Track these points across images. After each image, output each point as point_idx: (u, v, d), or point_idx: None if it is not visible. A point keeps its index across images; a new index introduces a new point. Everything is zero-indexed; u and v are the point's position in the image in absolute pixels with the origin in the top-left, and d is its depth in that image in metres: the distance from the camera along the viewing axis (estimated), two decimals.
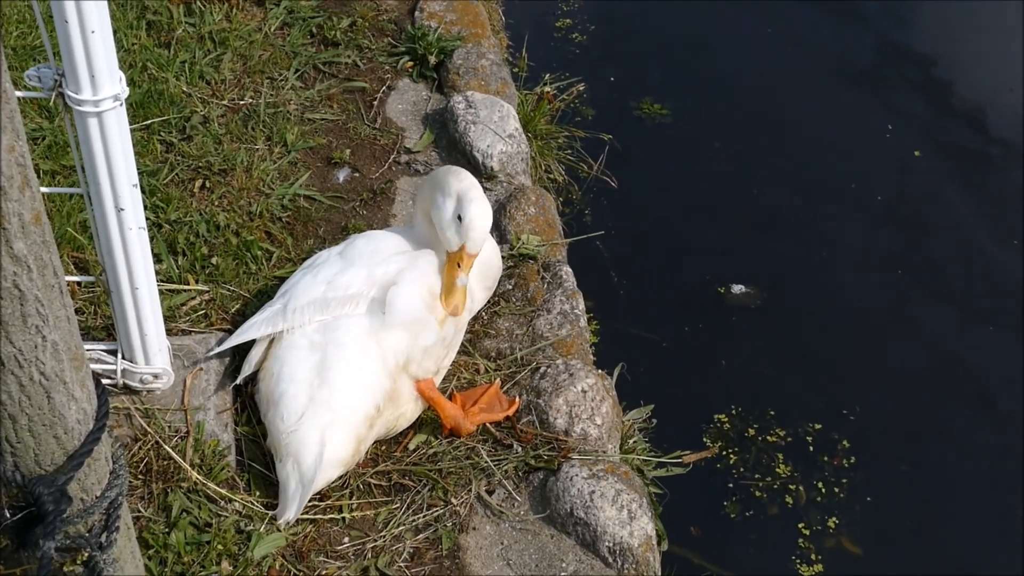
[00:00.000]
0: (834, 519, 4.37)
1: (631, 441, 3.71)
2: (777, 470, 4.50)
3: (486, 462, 3.43)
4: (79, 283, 3.63)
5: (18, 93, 2.69)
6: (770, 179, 5.62)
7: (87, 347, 3.22)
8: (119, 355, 3.26)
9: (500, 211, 4.13)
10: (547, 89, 5.05)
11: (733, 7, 6.58)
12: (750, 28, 6.46)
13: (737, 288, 5.11)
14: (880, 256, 5.36)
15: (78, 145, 2.87)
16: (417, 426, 3.52)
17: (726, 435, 4.56)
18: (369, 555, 3.23)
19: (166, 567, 3.06)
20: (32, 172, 2.08)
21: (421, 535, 3.29)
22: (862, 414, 4.69)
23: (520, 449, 3.47)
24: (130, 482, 3.22)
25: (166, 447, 3.23)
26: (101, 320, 3.53)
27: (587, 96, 5.64)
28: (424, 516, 3.33)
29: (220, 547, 3.11)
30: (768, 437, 4.57)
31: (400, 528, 3.29)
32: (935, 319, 5.12)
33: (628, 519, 3.25)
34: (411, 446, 3.48)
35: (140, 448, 3.24)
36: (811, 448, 4.55)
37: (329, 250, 3.58)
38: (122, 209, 2.93)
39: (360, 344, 3.30)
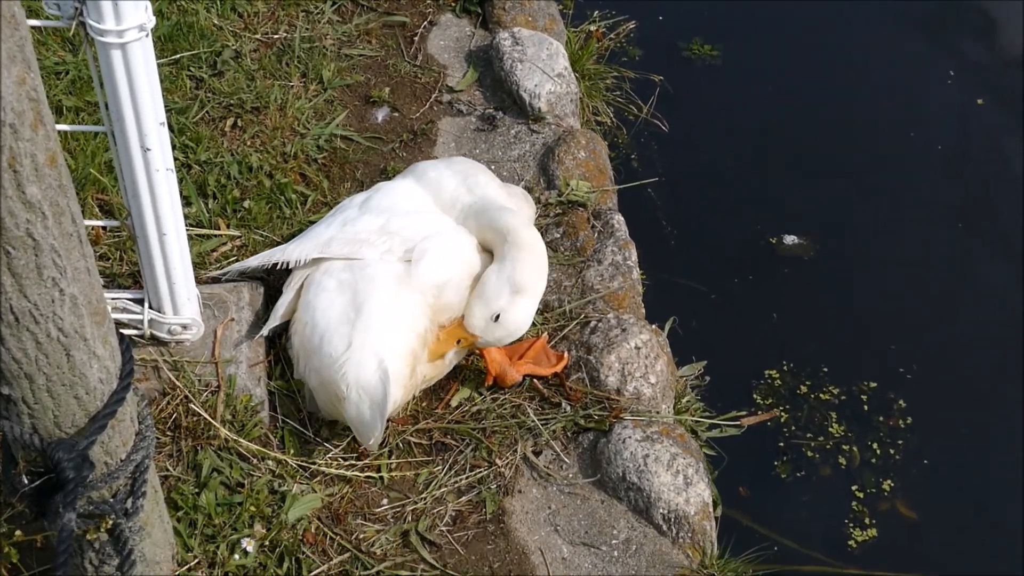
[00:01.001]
0: (889, 482, 4.18)
1: (684, 400, 3.50)
2: (830, 430, 4.31)
3: (533, 421, 3.23)
4: (104, 228, 3.43)
5: (35, 22, 2.49)
6: (825, 126, 5.35)
7: (112, 295, 3.04)
8: (146, 304, 3.07)
9: (548, 155, 3.91)
10: (595, 27, 4.77)
11: None
12: None
13: (790, 239, 4.88)
14: (940, 208, 5.11)
15: (101, 80, 2.66)
16: (460, 381, 3.32)
17: (777, 392, 4.36)
18: (409, 518, 3.06)
19: (196, 529, 2.89)
20: (46, 108, 1.87)
21: (464, 498, 3.11)
22: (920, 373, 4.47)
23: (569, 408, 3.27)
24: (158, 439, 3.04)
25: (195, 403, 3.05)
26: (127, 267, 3.35)
27: (635, 36, 5.36)
28: (467, 477, 3.15)
29: (252, 509, 2.95)
30: (821, 395, 4.37)
31: (442, 490, 3.11)
32: (996, 276, 4.89)
33: (684, 485, 3.06)
34: (453, 403, 3.30)
35: (168, 403, 3.06)
36: (866, 408, 4.34)
37: (353, 198, 3.41)
38: (148, 149, 2.72)
39: (392, 279, 3.12)
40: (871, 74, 5.63)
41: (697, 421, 3.47)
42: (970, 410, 4.36)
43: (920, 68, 5.68)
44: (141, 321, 3.08)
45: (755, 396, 4.32)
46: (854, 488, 4.13)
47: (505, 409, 3.28)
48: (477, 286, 3.16)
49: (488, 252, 3.24)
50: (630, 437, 3.12)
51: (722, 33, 5.65)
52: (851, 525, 4.07)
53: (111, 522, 2.35)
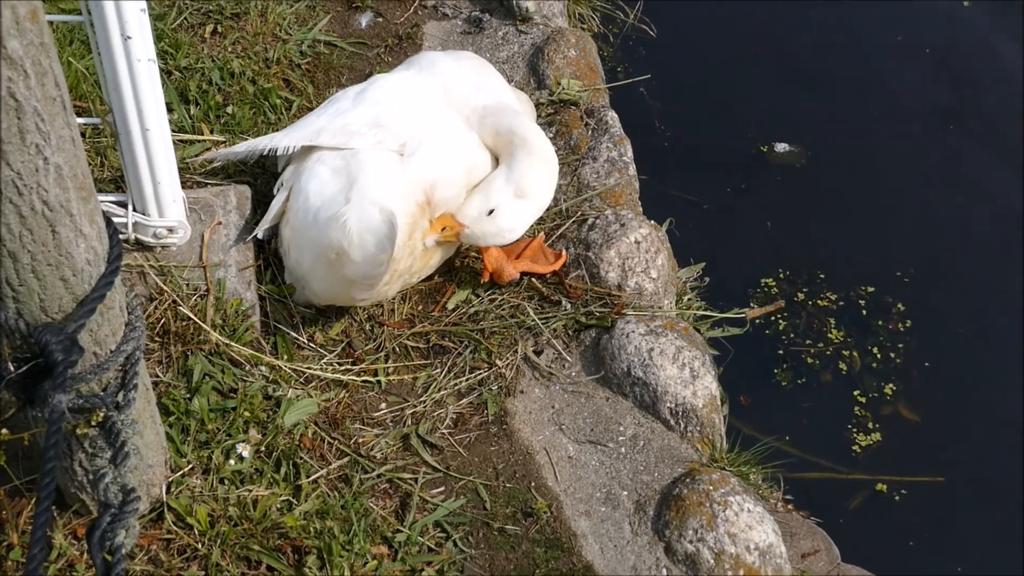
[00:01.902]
0: (891, 386, 4.12)
1: (685, 299, 3.40)
2: (829, 335, 4.24)
3: (533, 320, 3.13)
4: (84, 133, 3.29)
5: None
6: (812, 32, 5.26)
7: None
8: (130, 207, 2.94)
9: (537, 55, 3.79)
10: None
11: None
12: None
13: (781, 146, 4.82)
14: (930, 111, 5.03)
15: None
16: (456, 283, 3.21)
17: (774, 300, 4.26)
18: (409, 421, 2.96)
19: (188, 435, 2.78)
20: None
21: (464, 400, 3.02)
22: (916, 276, 4.40)
23: (569, 306, 3.18)
24: (146, 345, 2.92)
25: (184, 307, 2.93)
26: (109, 172, 3.22)
27: None
28: (467, 380, 3.05)
29: (247, 414, 2.84)
30: (819, 301, 4.30)
31: (441, 393, 3.01)
32: (990, 175, 4.82)
33: (691, 378, 2.96)
34: (450, 305, 3.19)
35: (156, 308, 2.95)
36: (864, 312, 4.29)
37: (347, 90, 3.26)
38: (129, 37, 2.59)
39: (387, 163, 2.99)
40: None
41: (702, 315, 3.36)
42: (969, 310, 4.31)
43: None
44: (125, 225, 2.95)
45: (752, 304, 4.22)
46: (856, 393, 4.07)
47: (504, 310, 3.18)
48: (482, 183, 3.04)
49: (496, 160, 3.13)
50: (634, 331, 3.02)
51: None
52: (854, 430, 4.01)
53: (102, 415, 2.23)
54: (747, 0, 5.29)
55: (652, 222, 3.36)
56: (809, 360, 4.16)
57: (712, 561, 2.67)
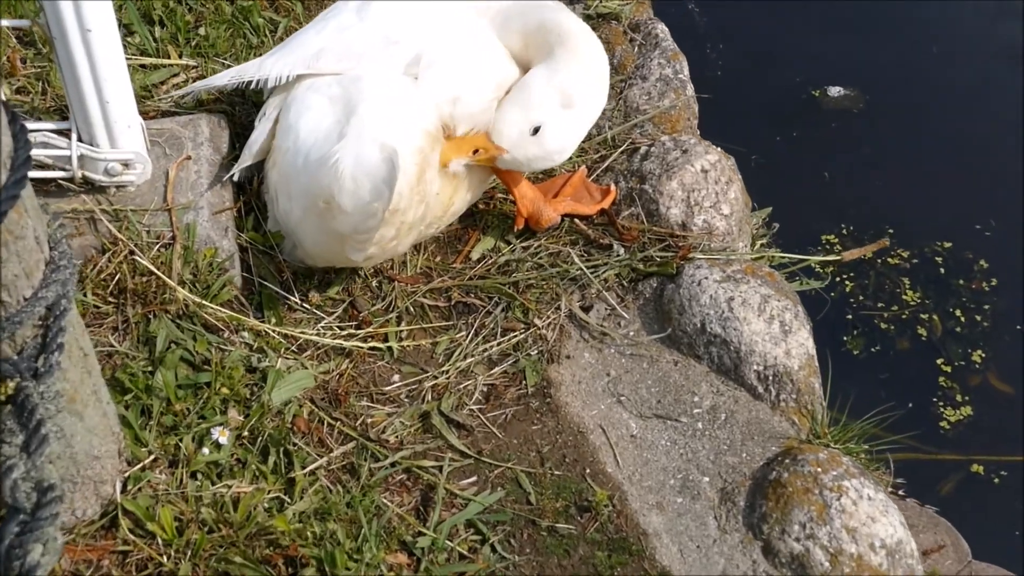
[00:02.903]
0: (979, 352, 3.62)
1: (759, 244, 2.76)
2: (904, 297, 3.76)
3: (579, 269, 2.52)
4: (23, 60, 2.66)
5: None
6: None
7: (30, 126, 2.27)
8: (74, 136, 2.32)
9: None
10: None
11: None
12: None
13: (835, 90, 4.42)
14: (998, 47, 4.45)
15: None
16: (481, 229, 2.59)
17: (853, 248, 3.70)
18: (429, 396, 2.38)
19: (150, 418, 2.17)
20: None
21: (497, 368, 2.44)
22: (999, 228, 3.88)
23: (623, 251, 2.58)
24: (96, 307, 2.29)
25: (143, 258, 2.30)
26: (52, 101, 2.59)
27: None
28: (499, 344, 2.47)
29: (225, 390, 2.25)
30: (889, 259, 3.83)
31: (468, 360, 2.44)
32: None
33: (782, 333, 2.35)
34: (474, 255, 2.61)
35: (110, 261, 2.34)
36: (942, 271, 3.86)
37: (347, 1, 2.58)
38: None
39: (395, 85, 2.37)
40: None
41: (787, 258, 2.72)
42: None
43: None
44: (68, 159, 2.32)
45: (813, 265, 3.66)
46: (939, 362, 3.62)
47: (542, 258, 2.57)
48: (514, 89, 2.41)
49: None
50: (707, 278, 2.40)
51: None
52: (941, 404, 3.52)
53: (12, 386, 1.59)
54: None
55: (719, 149, 2.71)
56: (883, 325, 3.73)
57: (827, 563, 2.06)
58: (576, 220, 2.61)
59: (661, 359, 2.43)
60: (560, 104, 2.36)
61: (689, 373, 2.40)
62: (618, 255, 2.57)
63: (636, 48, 2.92)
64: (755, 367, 2.34)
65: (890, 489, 2.53)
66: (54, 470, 1.74)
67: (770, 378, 2.34)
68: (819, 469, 2.15)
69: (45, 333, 1.65)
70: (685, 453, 2.29)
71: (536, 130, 2.36)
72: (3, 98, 1.51)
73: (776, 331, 2.35)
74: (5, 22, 2.25)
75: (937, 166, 4.09)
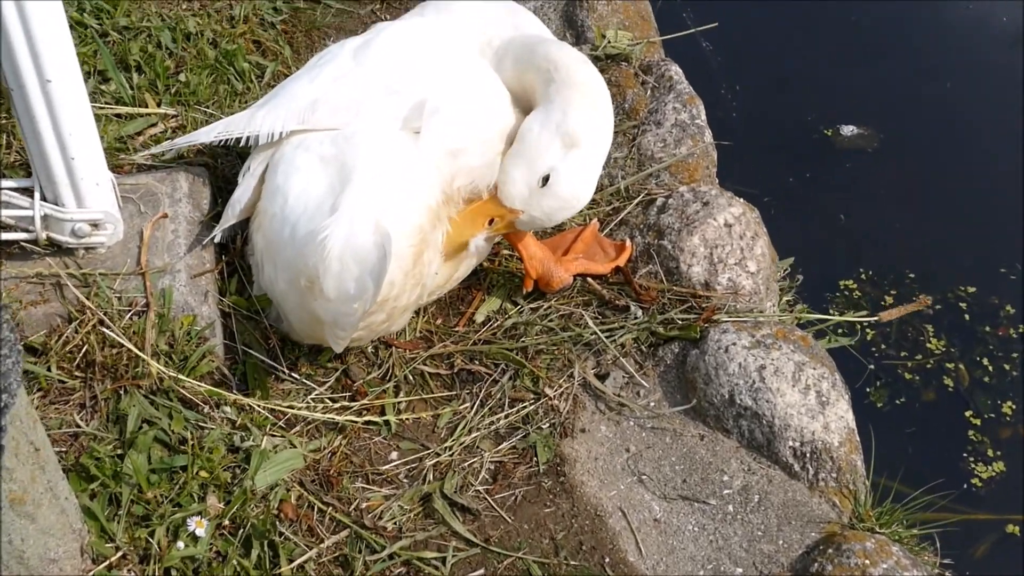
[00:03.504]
0: (1009, 404, 3.36)
1: (784, 300, 2.51)
2: (928, 345, 3.59)
3: (593, 333, 2.27)
4: None
5: None
6: (872, 10, 4.49)
7: None
8: (36, 195, 2.07)
9: (574, 2, 2.90)
10: None
11: None
12: None
13: (848, 129, 4.13)
14: (1014, 85, 4.23)
15: None
16: (485, 289, 2.33)
17: (857, 304, 3.68)
18: (430, 476, 2.14)
19: (119, 509, 1.92)
20: None
21: (505, 444, 2.20)
22: None
23: (641, 313, 2.35)
24: (62, 382, 2.04)
25: (113, 328, 2.04)
26: (18, 155, 2.33)
27: None
28: (507, 417, 2.23)
29: (204, 474, 2.03)
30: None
31: (473, 435, 2.21)
32: None
33: (819, 405, 2.10)
34: (479, 317, 2.37)
35: (76, 332, 2.07)
36: (967, 317, 3.56)
37: (343, 43, 2.36)
38: None
39: (393, 147, 2.12)
40: None
41: (825, 323, 2.47)
42: None
43: None
44: (31, 219, 2.06)
45: (832, 311, 3.46)
46: (968, 414, 3.35)
47: (552, 321, 2.33)
48: (516, 141, 2.15)
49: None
50: (735, 344, 2.15)
51: None
52: (971, 459, 3.34)
53: None
54: None
55: (743, 201, 2.45)
56: (907, 376, 3.54)
57: None
58: (589, 279, 2.36)
59: (686, 433, 2.18)
60: (563, 146, 2.11)
61: (717, 449, 2.15)
62: (636, 318, 2.32)
63: (649, 91, 2.67)
64: (791, 443, 2.08)
65: (937, 571, 2.26)
66: None
67: (807, 455, 2.08)
68: (867, 561, 1.89)
69: None
70: (715, 540, 2.03)
71: (545, 180, 2.10)
72: None
73: (813, 403, 2.09)
74: None
75: (957, 206, 3.88)
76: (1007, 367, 3.45)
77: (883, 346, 3.49)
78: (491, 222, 2.14)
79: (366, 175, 2.01)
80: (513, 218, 2.15)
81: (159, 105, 2.56)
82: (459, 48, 2.29)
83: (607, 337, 2.28)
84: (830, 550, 1.94)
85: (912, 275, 3.61)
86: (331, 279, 1.87)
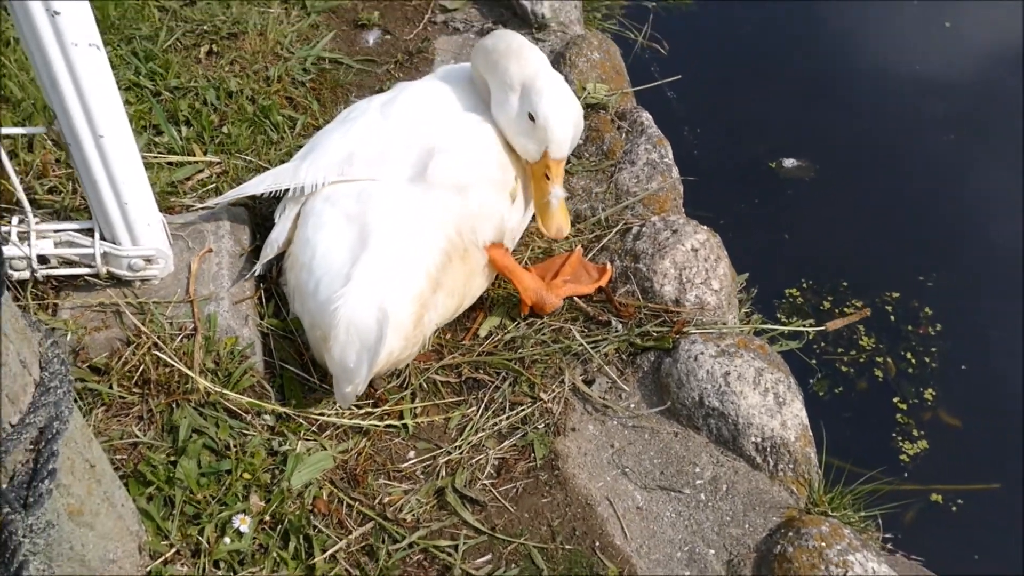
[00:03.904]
0: (930, 391, 3.23)
1: (742, 311, 2.37)
2: (861, 343, 3.38)
3: (580, 345, 2.13)
4: (57, 160, 2.27)
5: None
6: (808, 51, 4.35)
7: (53, 227, 1.88)
8: (96, 235, 1.93)
9: (558, 60, 2.79)
10: None
11: None
12: None
13: (789, 162, 3.96)
14: (930, 121, 4.09)
15: None
16: (487, 308, 2.19)
17: (800, 309, 3.46)
18: (443, 472, 1.98)
19: (173, 509, 1.77)
20: None
21: (507, 442, 2.03)
22: (940, 279, 3.55)
23: (621, 327, 2.17)
24: (121, 397, 1.89)
25: (166, 350, 1.90)
26: (81, 200, 2.19)
27: None
28: (508, 418, 2.06)
29: (246, 476, 1.86)
30: (845, 309, 3.44)
31: (479, 435, 2.03)
32: (996, 178, 4.01)
33: (777, 405, 1.95)
34: (482, 332, 2.18)
35: (134, 354, 1.93)
36: (893, 318, 3.38)
37: (371, 100, 2.23)
38: (57, 13, 1.56)
39: (405, 201, 2.00)
40: (841, 9, 4.61)
41: (779, 332, 2.33)
42: (996, 310, 3.41)
43: None
44: (93, 256, 1.93)
45: (779, 315, 3.33)
46: (896, 400, 3.17)
47: (545, 335, 2.17)
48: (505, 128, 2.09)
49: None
50: (703, 353, 2.00)
51: None
52: (900, 438, 3.11)
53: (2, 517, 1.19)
54: (754, 18, 4.42)
55: (707, 228, 2.32)
56: (844, 369, 3.34)
57: None
58: (576, 299, 2.21)
59: (662, 431, 2.03)
60: (521, 92, 2.03)
61: (689, 444, 2.00)
62: (616, 331, 2.16)
63: (623, 135, 2.53)
64: (753, 439, 1.94)
65: (880, 543, 2.12)
66: None
67: (768, 449, 1.93)
68: (823, 544, 1.75)
69: (36, 458, 1.26)
70: (690, 525, 1.88)
71: (531, 116, 2.01)
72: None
73: (771, 403, 1.95)
74: (20, 130, 1.86)
75: (882, 225, 3.72)
76: (927, 360, 3.30)
77: (823, 344, 3.34)
78: (547, 177, 2.03)
79: (379, 244, 1.90)
80: (550, 160, 2.02)
81: (205, 154, 2.41)
82: (465, 103, 2.17)
83: (592, 348, 2.12)
84: (790, 533, 1.80)
85: (846, 284, 3.45)
86: (338, 346, 1.79)
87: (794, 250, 3.64)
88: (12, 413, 1.20)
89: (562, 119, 2.01)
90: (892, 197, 3.80)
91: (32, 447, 1.25)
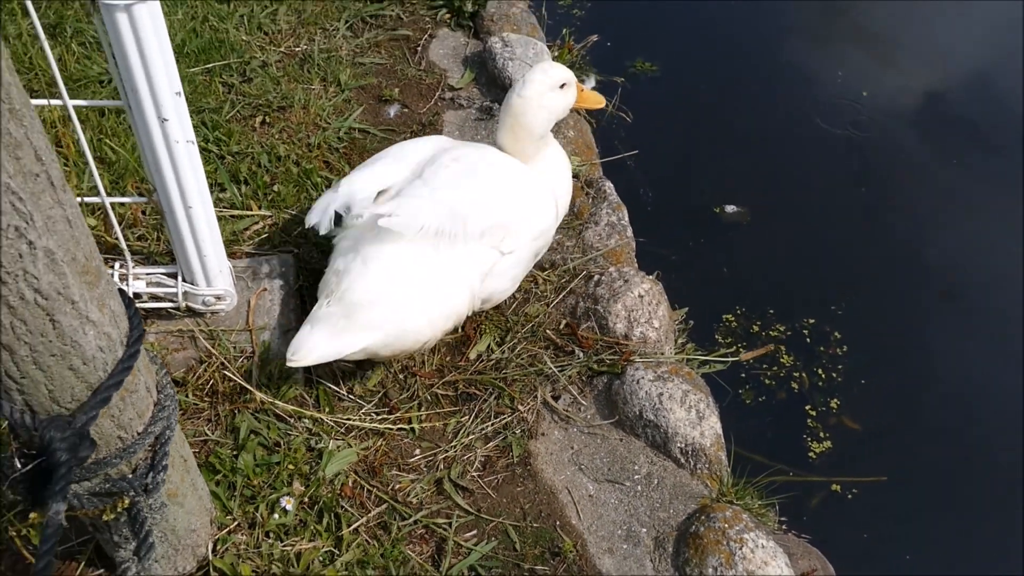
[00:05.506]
0: (835, 400, 3.48)
1: (679, 342, 2.65)
2: (782, 360, 3.61)
3: (550, 368, 2.40)
4: (144, 212, 2.54)
5: None
6: (746, 118, 4.60)
7: (147, 271, 2.15)
8: (179, 278, 2.21)
9: None
10: (569, 40, 3.91)
11: None
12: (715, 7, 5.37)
13: (730, 208, 4.19)
14: (846, 176, 4.39)
15: (112, 51, 1.76)
16: (479, 332, 2.47)
17: (734, 332, 3.67)
18: (441, 466, 2.22)
19: (235, 491, 2.03)
20: None
21: (491, 443, 2.28)
22: (847, 309, 3.81)
23: (582, 355, 2.44)
24: (196, 404, 2.17)
25: (231, 369, 2.18)
26: (164, 245, 2.46)
27: (588, 58, 4.52)
28: (492, 424, 2.32)
29: (291, 467, 2.10)
30: (771, 332, 3.68)
31: (470, 437, 2.27)
32: (895, 225, 4.20)
33: (697, 419, 2.22)
34: (472, 355, 2.45)
35: (205, 370, 2.20)
36: (808, 340, 3.63)
37: (417, 147, 2.31)
38: (166, 120, 1.85)
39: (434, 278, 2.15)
40: (778, 77, 4.88)
41: (704, 361, 2.61)
42: (894, 334, 3.65)
43: (813, 70, 4.93)
44: (176, 294, 2.21)
45: (717, 337, 3.58)
46: (807, 408, 3.42)
47: (523, 359, 2.44)
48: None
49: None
50: (643, 378, 2.28)
51: (658, 54, 4.84)
52: (809, 439, 3.35)
53: (128, 500, 1.47)
54: (695, 98, 4.66)
55: (651, 277, 2.61)
56: (767, 381, 3.54)
57: None
58: (548, 332, 2.49)
59: (611, 437, 2.31)
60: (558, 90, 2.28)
61: (631, 448, 2.29)
62: (579, 358, 2.44)
63: (590, 200, 2.82)
64: (679, 445, 2.23)
65: (776, 525, 2.41)
66: (159, 568, 1.62)
67: (689, 453, 2.22)
68: (726, 525, 2.04)
69: (153, 456, 1.54)
70: (629, 509, 2.17)
71: (562, 86, 2.28)
72: (131, 296, 1.41)
73: (694, 418, 2.24)
74: (128, 199, 2.14)
75: (802, 263, 3.95)
76: (834, 375, 3.52)
77: (751, 360, 3.60)
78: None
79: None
80: (581, 89, 2.33)
81: (259, 208, 2.69)
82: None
83: (559, 371, 2.40)
84: (703, 517, 2.09)
85: (772, 311, 3.67)
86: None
87: (731, 282, 3.87)
88: (139, 424, 1.49)
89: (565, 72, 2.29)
90: (811, 239, 4.04)
91: (150, 448, 1.53)
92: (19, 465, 1.31)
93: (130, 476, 1.51)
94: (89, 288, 1.26)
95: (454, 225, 2.02)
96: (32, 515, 1.52)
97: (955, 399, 3.49)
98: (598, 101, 2.34)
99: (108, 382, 1.33)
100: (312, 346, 1.96)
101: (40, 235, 1.14)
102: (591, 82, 2.45)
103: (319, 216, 2.15)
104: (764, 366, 3.53)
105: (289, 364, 1.99)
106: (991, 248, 4.08)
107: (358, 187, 2.13)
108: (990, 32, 5.31)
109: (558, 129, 3.06)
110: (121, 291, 1.41)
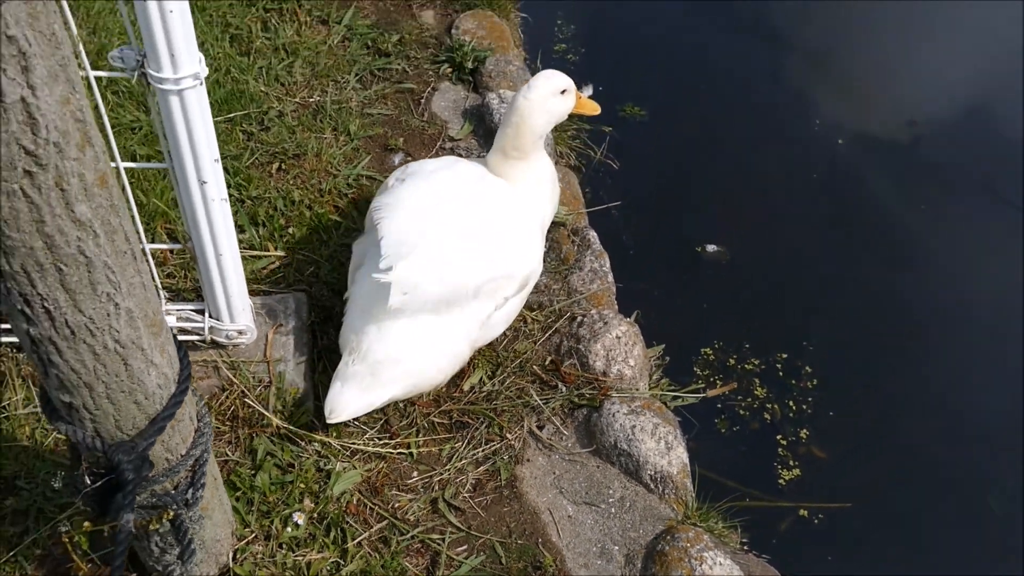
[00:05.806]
0: (805, 431, 3.70)
1: (653, 377, 2.93)
2: (755, 392, 3.83)
3: (536, 401, 2.67)
4: (171, 251, 2.83)
5: (102, 73, 1.93)
6: (727, 163, 4.85)
7: (177, 307, 2.44)
8: (206, 314, 2.48)
9: None
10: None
11: (692, 32, 5.77)
12: (706, 44, 5.66)
13: (711, 247, 4.40)
14: (820, 219, 4.65)
15: (162, 123, 2.06)
16: (472, 366, 2.75)
17: (712, 364, 3.88)
18: (436, 487, 2.48)
19: (252, 507, 2.30)
20: (95, 131, 1.29)
21: (481, 467, 2.54)
22: (818, 344, 4.03)
23: (564, 389, 2.71)
24: (218, 428, 2.45)
25: (250, 396, 2.46)
26: (190, 283, 2.75)
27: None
28: (483, 450, 2.58)
29: (302, 486, 2.36)
30: (746, 365, 3.89)
31: (462, 462, 2.54)
32: (866, 266, 4.42)
33: (666, 449, 2.50)
34: (465, 387, 2.72)
35: (227, 397, 2.48)
36: (781, 374, 3.86)
37: (433, 177, 2.49)
38: (204, 182, 2.14)
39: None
40: (756, 124, 5.16)
41: (674, 396, 2.90)
42: (861, 369, 3.89)
43: (794, 116, 5.22)
44: (203, 328, 2.49)
45: (695, 369, 3.83)
46: (778, 437, 3.65)
47: (512, 391, 2.71)
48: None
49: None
50: (618, 411, 2.56)
51: (646, 98, 5.15)
52: (779, 467, 3.59)
53: (172, 512, 1.76)
54: (679, 143, 4.93)
55: (629, 319, 2.89)
56: (741, 412, 3.77)
57: None
58: (535, 367, 2.77)
59: (589, 464, 2.59)
60: (561, 96, 2.57)
61: (606, 474, 2.56)
62: (562, 392, 2.71)
63: (576, 247, 3.11)
64: (649, 472, 2.51)
65: (739, 545, 2.67)
66: (199, 570, 1.90)
67: (658, 479, 2.50)
68: (688, 544, 2.32)
69: (193, 475, 1.82)
70: (604, 529, 2.44)
71: (563, 92, 2.56)
72: (178, 338, 1.68)
73: (663, 448, 2.52)
74: (165, 245, 2.43)
75: (777, 300, 4.14)
76: (804, 407, 3.73)
77: (727, 392, 3.85)
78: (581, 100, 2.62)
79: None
80: (580, 96, 2.63)
81: (275, 249, 2.98)
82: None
83: (544, 403, 2.66)
84: (668, 537, 2.36)
85: (747, 345, 3.91)
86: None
87: (710, 318, 4.09)
88: (182, 448, 1.77)
89: (565, 78, 2.57)
90: (786, 278, 4.27)
91: (190, 469, 1.81)
92: (88, 482, 1.60)
93: (173, 492, 1.79)
94: (154, 337, 1.55)
95: (456, 294, 2.31)
96: (86, 524, 1.81)
97: (918, 430, 3.73)
98: (594, 109, 2.66)
99: (164, 413, 1.62)
100: (346, 403, 2.25)
101: (124, 298, 1.43)
102: (589, 90, 2.74)
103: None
104: (739, 398, 3.77)
105: (329, 422, 2.27)
106: (958, 287, 4.34)
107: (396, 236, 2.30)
108: (961, 79, 5.62)
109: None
110: (173, 336, 1.70)
